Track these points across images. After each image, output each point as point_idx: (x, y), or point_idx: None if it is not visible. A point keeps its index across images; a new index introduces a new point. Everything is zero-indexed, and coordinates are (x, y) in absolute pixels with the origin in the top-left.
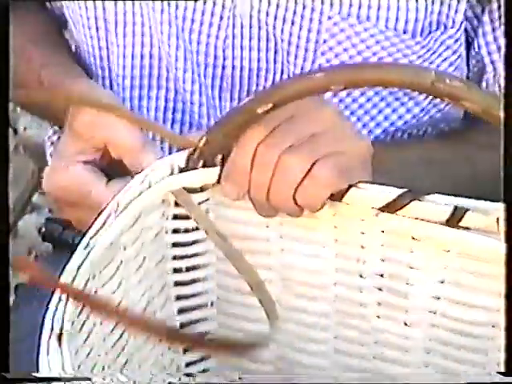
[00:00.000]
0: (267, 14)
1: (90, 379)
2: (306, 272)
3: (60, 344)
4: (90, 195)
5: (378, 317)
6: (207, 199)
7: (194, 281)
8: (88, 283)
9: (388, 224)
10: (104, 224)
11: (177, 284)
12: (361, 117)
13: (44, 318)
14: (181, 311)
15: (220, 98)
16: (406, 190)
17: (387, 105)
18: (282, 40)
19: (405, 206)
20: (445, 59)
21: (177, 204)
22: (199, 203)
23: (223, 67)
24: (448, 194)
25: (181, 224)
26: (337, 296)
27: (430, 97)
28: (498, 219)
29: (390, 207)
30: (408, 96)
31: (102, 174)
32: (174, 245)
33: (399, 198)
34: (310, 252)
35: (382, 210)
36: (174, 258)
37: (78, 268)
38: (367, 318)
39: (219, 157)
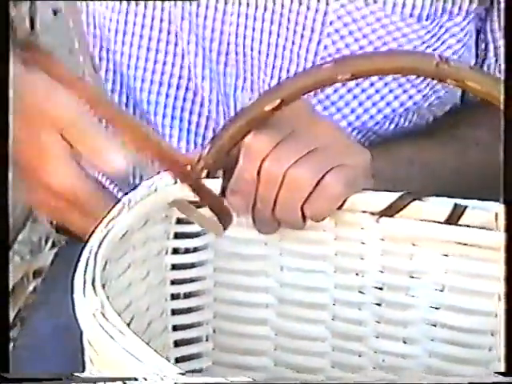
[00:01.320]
0: None
1: (136, 379)
2: (305, 291)
3: (95, 287)
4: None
5: (377, 337)
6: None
7: (190, 309)
8: (106, 266)
9: (388, 229)
10: (118, 214)
11: (174, 313)
12: (363, 102)
13: (74, 274)
14: (176, 344)
15: (225, 74)
16: (405, 191)
17: (390, 91)
18: (289, 20)
19: (405, 206)
20: (449, 47)
21: (178, 221)
22: None
23: (228, 43)
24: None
25: (181, 243)
26: (335, 316)
27: (431, 84)
28: (496, 215)
29: (391, 210)
30: (411, 83)
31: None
32: (174, 267)
33: (399, 199)
34: (311, 267)
35: (382, 214)
36: (173, 282)
37: (99, 247)
38: (365, 339)
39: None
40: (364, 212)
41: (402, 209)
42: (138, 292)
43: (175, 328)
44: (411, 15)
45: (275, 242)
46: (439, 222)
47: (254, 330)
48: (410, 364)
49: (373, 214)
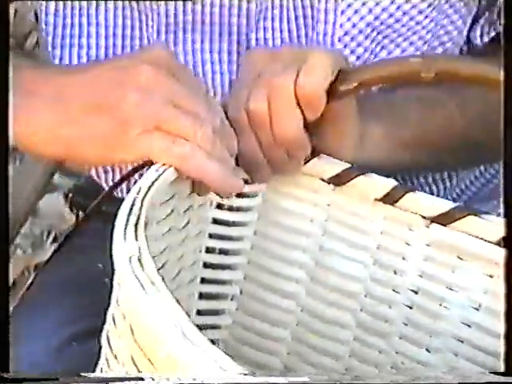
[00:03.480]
0: None
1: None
2: (339, 276)
3: (136, 231)
4: None
5: (401, 338)
6: None
7: (222, 266)
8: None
9: (437, 236)
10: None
11: (206, 266)
12: (398, 29)
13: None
14: (201, 296)
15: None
16: (461, 203)
17: (431, 20)
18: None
19: (460, 218)
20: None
21: None
22: None
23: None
24: None
25: (227, 200)
26: (363, 307)
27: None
28: None
29: (445, 218)
30: (453, 9)
31: None
32: (215, 221)
33: (456, 209)
34: (349, 255)
35: (434, 220)
36: (211, 236)
37: (148, 189)
38: (388, 338)
39: None
40: (415, 214)
41: (456, 220)
42: (176, 240)
43: (203, 281)
44: None
45: (321, 220)
46: (492, 242)
47: (279, 301)
48: (428, 373)
49: (424, 217)
